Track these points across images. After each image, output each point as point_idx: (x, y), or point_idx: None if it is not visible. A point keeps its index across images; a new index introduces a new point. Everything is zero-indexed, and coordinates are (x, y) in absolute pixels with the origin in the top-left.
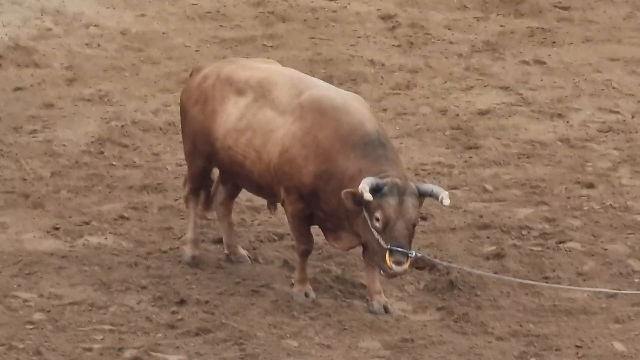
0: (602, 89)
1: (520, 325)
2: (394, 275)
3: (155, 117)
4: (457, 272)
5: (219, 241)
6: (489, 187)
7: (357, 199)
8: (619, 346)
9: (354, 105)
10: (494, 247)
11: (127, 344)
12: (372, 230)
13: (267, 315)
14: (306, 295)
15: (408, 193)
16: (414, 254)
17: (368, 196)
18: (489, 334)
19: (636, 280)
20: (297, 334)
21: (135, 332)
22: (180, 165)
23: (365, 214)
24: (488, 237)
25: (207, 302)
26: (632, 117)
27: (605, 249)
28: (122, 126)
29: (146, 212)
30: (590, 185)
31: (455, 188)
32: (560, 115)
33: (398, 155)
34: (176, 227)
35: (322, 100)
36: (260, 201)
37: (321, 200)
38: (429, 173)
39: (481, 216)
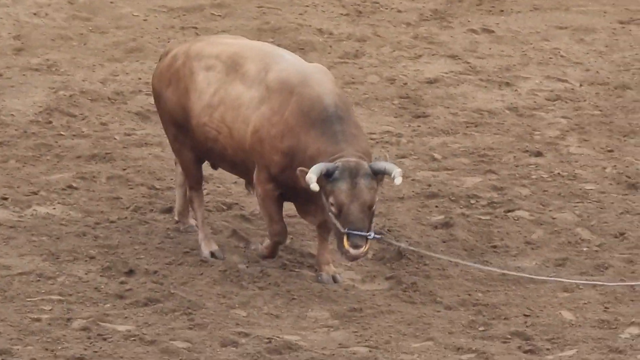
0: (550, 58)
1: (469, 295)
2: (353, 258)
3: (103, 87)
4: (406, 241)
5: (168, 211)
6: (437, 156)
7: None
8: (567, 315)
9: (315, 78)
10: (442, 216)
11: (76, 314)
12: (330, 214)
13: (215, 285)
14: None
15: (361, 174)
16: (372, 235)
17: (315, 187)
18: (437, 303)
19: (584, 249)
20: (245, 303)
21: (84, 302)
22: (129, 135)
23: (323, 197)
24: (436, 206)
25: (155, 272)
26: (580, 85)
27: (554, 218)
28: (71, 96)
29: (94, 182)
30: (539, 154)
31: (403, 157)
32: (508, 84)
33: (359, 127)
34: (124, 196)
35: (286, 79)
36: (209, 171)
37: (290, 179)
38: (377, 142)
39: (429, 185)
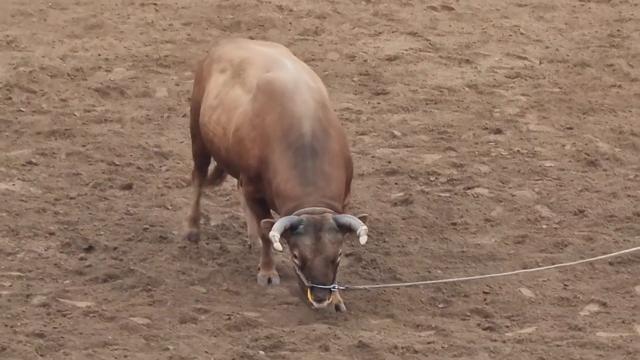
0: (510, 35)
1: (429, 272)
2: (317, 310)
3: (63, 63)
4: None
5: (127, 187)
6: (397, 133)
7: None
8: (526, 292)
9: (302, 95)
10: (402, 193)
11: (36, 290)
12: (294, 265)
13: (175, 261)
14: (269, 280)
15: (325, 229)
16: (335, 287)
17: (278, 246)
18: (397, 280)
19: (544, 227)
20: (205, 280)
21: (44, 278)
22: (88, 112)
23: (288, 249)
24: (396, 183)
25: (115, 248)
26: (540, 63)
27: (513, 195)
28: (30, 72)
29: (54, 158)
30: (498, 131)
31: (363, 134)
32: (468, 61)
33: (333, 160)
34: (84, 173)
35: (274, 83)
36: (169, 147)
37: (264, 186)
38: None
39: (389, 162)
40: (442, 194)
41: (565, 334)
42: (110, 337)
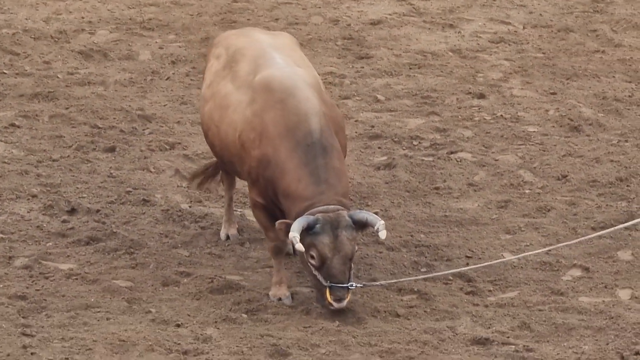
0: (494, 0)
1: (411, 236)
2: (337, 311)
3: (46, 26)
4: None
5: (110, 150)
6: (380, 97)
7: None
8: (509, 257)
9: (304, 91)
10: (385, 157)
11: (18, 252)
12: (309, 266)
13: (157, 224)
14: (279, 300)
15: (342, 226)
16: (354, 286)
17: (300, 247)
18: (380, 244)
19: (527, 191)
20: (188, 243)
21: (26, 240)
22: (72, 74)
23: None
24: (379, 148)
25: (97, 211)
26: (523, 28)
27: (496, 160)
28: (13, 34)
29: (37, 120)
30: (482, 96)
31: (346, 98)
32: (451, 26)
33: (341, 155)
34: (67, 135)
35: (271, 82)
36: (152, 110)
37: (268, 187)
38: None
39: (372, 126)
40: (425, 158)
41: (547, 299)
42: (92, 299)
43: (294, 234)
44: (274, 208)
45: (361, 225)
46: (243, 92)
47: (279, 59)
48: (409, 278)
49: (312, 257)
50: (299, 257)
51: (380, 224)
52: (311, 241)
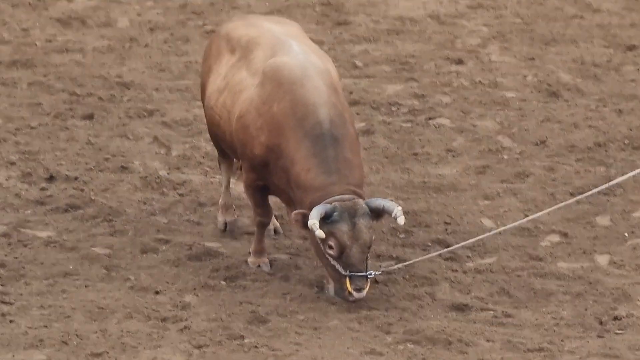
0: None
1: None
2: (356, 301)
3: None
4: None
5: (89, 117)
6: (359, 63)
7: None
8: (487, 222)
9: (313, 80)
10: (363, 124)
11: None
12: (327, 256)
13: (136, 191)
14: (258, 267)
15: (359, 214)
16: (373, 274)
17: (320, 234)
18: None
19: (505, 157)
20: (166, 210)
21: (4, 208)
22: (50, 42)
23: (318, 239)
24: (358, 113)
25: (76, 178)
26: None
27: (475, 125)
28: None
29: (15, 88)
30: (460, 62)
31: None
32: None
33: (354, 146)
34: (45, 102)
35: (281, 70)
36: (131, 77)
37: (272, 174)
38: None
39: (351, 92)
40: (404, 124)
41: (525, 264)
42: (71, 267)
43: (314, 221)
44: (274, 191)
45: (378, 213)
46: (256, 77)
47: (296, 47)
48: (425, 257)
49: (331, 246)
50: (314, 248)
51: (397, 209)
52: (329, 230)
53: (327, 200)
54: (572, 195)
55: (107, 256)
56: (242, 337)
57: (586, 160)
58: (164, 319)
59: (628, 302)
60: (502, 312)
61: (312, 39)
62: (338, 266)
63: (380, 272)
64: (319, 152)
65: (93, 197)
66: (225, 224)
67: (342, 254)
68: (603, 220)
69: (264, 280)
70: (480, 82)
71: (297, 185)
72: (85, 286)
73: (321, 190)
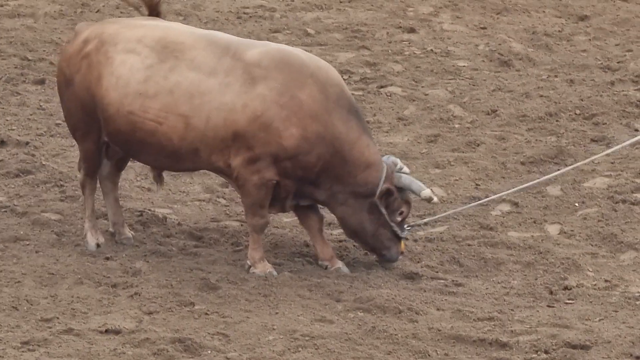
0: None
1: None
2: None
3: None
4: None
5: (40, 82)
6: (310, 31)
7: (393, 195)
8: (438, 191)
9: (320, 62)
10: None
11: None
12: (389, 222)
13: None
14: (269, 273)
15: None
16: (405, 231)
17: (436, 200)
18: None
19: (456, 126)
20: None
21: None
22: (1, 6)
23: (382, 208)
24: None
25: (27, 143)
26: None
27: (426, 94)
28: None
29: None
30: (412, 30)
31: (276, 32)
32: None
33: None
34: None
35: (289, 57)
36: None
37: (298, 166)
38: (250, 17)
39: None
40: (356, 92)
41: (476, 234)
42: (21, 232)
43: (428, 191)
44: (290, 185)
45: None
46: (223, 75)
47: (245, 40)
48: (449, 212)
49: (402, 212)
50: (365, 219)
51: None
52: (404, 199)
53: (395, 171)
54: (523, 164)
55: (57, 221)
56: (193, 303)
57: (537, 129)
58: (114, 285)
59: (578, 272)
60: (453, 281)
61: (263, 7)
62: (398, 230)
63: (409, 228)
64: (365, 128)
65: (44, 162)
66: (98, 245)
67: (404, 219)
68: (554, 190)
69: (215, 248)
70: (432, 50)
71: (356, 163)
72: (36, 252)
73: (381, 163)
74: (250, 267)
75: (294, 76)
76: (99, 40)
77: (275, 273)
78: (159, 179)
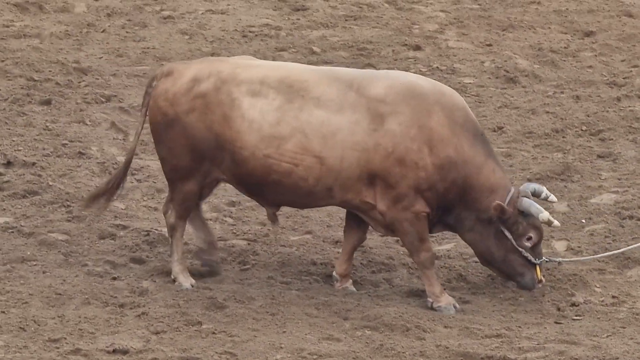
0: None
1: None
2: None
3: None
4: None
5: (46, 103)
6: (316, 49)
7: (505, 214)
8: None
9: (443, 87)
10: None
11: None
12: (519, 248)
13: (94, 177)
14: (455, 306)
15: None
16: (559, 260)
17: (557, 223)
18: None
19: None
20: (124, 196)
21: None
22: (7, 27)
23: (506, 232)
24: None
25: (34, 164)
26: None
27: None
28: None
29: None
30: (417, 48)
31: (282, 50)
32: None
33: None
34: (3, 88)
35: (413, 87)
36: (88, 62)
37: (436, 194)
38: (256, 35)
39: None
40: None
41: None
42: (28, 252)
43: (546, 214)
44: (433, 215)
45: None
46: (350, 112)
47: (365, 72)
48: (589, 257)
49: (530, 237)
50: (495, 243)
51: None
52: (531, 223)
53: (521, 195)
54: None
55: (65, 242)
56: (200, 323)
57: (543, 146)
58: (121, 305)
59: (585, 288)
60: (460, 298)
61: (269, 25)
62: (530, 256)
63: (550, 259)
64: (491, 151)
65: (51, 183)
66: (192, 285)
67: (537, 245)
68: (560, 207)
69: (222, 265)
70: (437, 68)
71: (482, 189)
72: (43, 272)
73: (508, 186)
74: (432, 303)
75: (420, 107)
76: (217, 79)
77: (458, 306)
78: (274, 218)
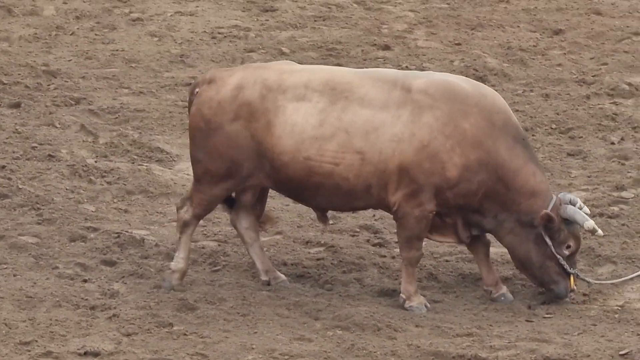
0: None
1: None
2: (573, 296)
3: None
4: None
5: (15, 106)
6: (285, 49)
7: (553, 223)
8: None
9: (486, 89)
10: None
11: None
12: (556, 256)
13: (64, 180)
14: (426, 306)
15: None
16: (575, 271)
17: (601, 232)
18: (285, 197)
19: None
20: (94, 198)
21: None
22: None
23: (546, 238)
24: None
25: (3, 167)
26: None
27: None
28: None
29: None
30: (387, 47)
31: (251, 51)
32: None
33: None
34: None
35: (453, 87)
36: (57, 65)
37: (459, 194)
38: (225, 36)
39: None
40: None
41: (454, 249)
42: None
43: (590, 221)
44: (454, 214)
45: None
46: (394, 109)
47: (409, 72)
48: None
49: (569, 246)
50: (532, 250)
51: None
52: (572, 232)
53: (562, 202)
54: None
55: (35, 245)
56: (171, 324)
57: None
58: (92, 307)
59: None
60: (431, 297)
61: (238, 27)
62: (566, 265)
63: (576, 274)
64: (533, 156)
65: (20, 186)
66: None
67: (573, 254)
68: None
69: (192, 268)
70: (407, 67)
71: (520, 191)
72: (14, 275)
73: (548, 192)
74: (405, 300)
75: (459, 106)
76: (263, 87)
77: (428, 305)
78: (323, 219)
